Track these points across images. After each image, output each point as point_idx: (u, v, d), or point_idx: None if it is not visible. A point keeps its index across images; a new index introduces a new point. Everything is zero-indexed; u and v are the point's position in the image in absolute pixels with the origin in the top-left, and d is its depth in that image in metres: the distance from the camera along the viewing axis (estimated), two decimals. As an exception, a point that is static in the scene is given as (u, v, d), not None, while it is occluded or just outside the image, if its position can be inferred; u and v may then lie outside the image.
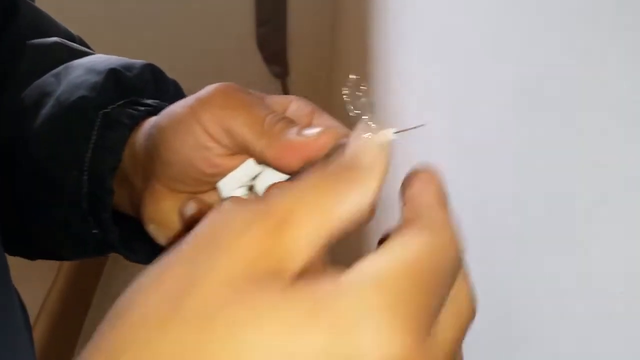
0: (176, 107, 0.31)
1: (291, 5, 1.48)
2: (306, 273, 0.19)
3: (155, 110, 0.35)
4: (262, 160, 0.28)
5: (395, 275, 0.18)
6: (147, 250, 0.37)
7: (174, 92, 0.40)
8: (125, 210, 0.36)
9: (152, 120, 0.33)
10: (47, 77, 0.39)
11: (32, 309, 1.26)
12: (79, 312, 1.46)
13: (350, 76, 0.26)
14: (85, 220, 0.36)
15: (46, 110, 0.37)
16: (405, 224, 0.21)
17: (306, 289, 0.18)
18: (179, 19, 1.46)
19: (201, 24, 1.47)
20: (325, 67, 1.53)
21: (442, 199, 0.22)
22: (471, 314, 0.22)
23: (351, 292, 0.18)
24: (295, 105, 0.31)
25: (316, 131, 0.26)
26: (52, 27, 0.44)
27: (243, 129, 0.28)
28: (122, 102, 0.36)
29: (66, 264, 1.37)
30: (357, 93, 0.25)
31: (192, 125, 0.29)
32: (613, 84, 0.39)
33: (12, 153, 0.39)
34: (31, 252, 0.43)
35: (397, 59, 0.94)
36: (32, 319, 1.35)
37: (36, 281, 1.45)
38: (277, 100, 0.31)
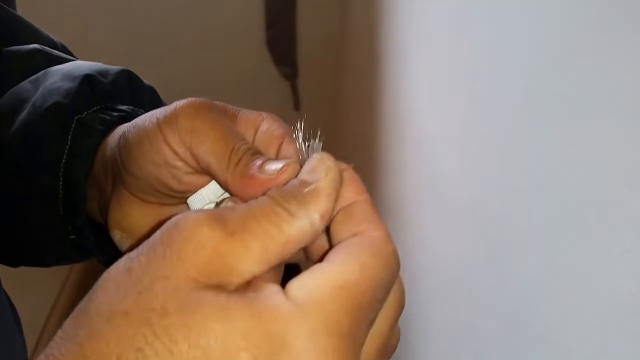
0: (144, 121, 0.31)
1: (300, 7, 1.49)
2: (249, 287, 0.21)
3: (129, 116, 0.36)
4: (225, 189, 0.29)
5: (330, 299, 0.20)
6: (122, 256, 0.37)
7: (150, 99, 0.40)
8: (94, 216, 0.36)
9: (121, 129, 0.33)
10: (25, 84, 0.40)
11: (43, 311, 1.27)
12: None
13: (299, 124, 0.28)
14: (63, 227, 0.37)
15: (22, 116, 0.38)
16: (347, 241, 0.23)
17: (244, 304, 0.20)
18: (189, 22, 1.47)
19: (211, 26, 1.48)
20: (334, 68, 1.53)
21: (376, 212, 0.25)
22: (395, 339, 0.24)
23: (283, 314, 0.20)
24: (266, 125, 0.31)
25: (278, 167, 0.26)
26: (31, 35, 0.44)
27: (209, 157, 0.28)
28: (96, 107, 0.36)
29: (77, 265, 1.38)
30: (307, 137, 0.27)
31: (159, 143, 0.29)
32: (624, 84, 0.39)
33: None
34: (15, 260, 0.42)
35: (405, 60, 0.94)
36: (42, 320, 1.35)
37: (47, 282, 1.46)
38: (250, 118, 0.31)
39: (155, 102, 0.40)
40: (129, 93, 0.39)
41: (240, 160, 0.28)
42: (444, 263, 0.74)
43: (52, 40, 0.46)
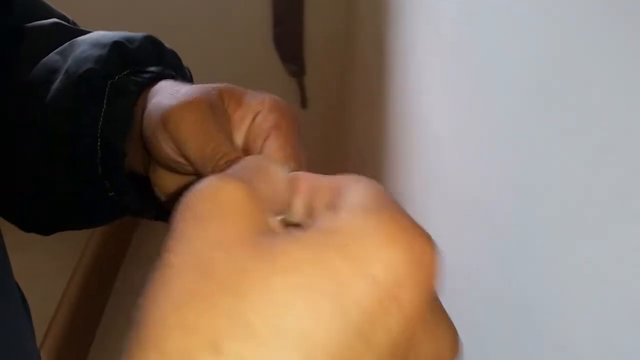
0: (154, 114, 0.33)
1: (307, 5, 1.49)
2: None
3: (158, 77, 0.38)
4: None
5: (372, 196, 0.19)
6: (159, 208, 0.39)
7: (173, 62, 0.42)
8: (138, 169, 0.38)
9: (150, 100, 0.35)
10: (52, 56, 0.41)
11: (52, 299, 1.28)
12: (99, 302, 1.48)
13: None
14: (101, 185, 0.39)
15: (56, 85, 0.40)
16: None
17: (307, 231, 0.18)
18: (195, 19, 1.48)
19: (218, 23, 1.49)
20: (341, 66, 1.53)
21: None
22: None
23: (348, 218, 0.18)
24: (261, 116, 0.32)
25: None
26: (45, 12, 0.46)
27: (191, 160, 0.31)
28: (127, 71, 0.38)
29: (87, 254, 1.39)
30: None
31: (160, 141, 0.32)
32: (628, 82, 0.39)
33: (21, 131, 0.41)
34: (47, 228, 0.44)
35: (412, 58, 0.94)
36: (52, 309, 1.35)
37: (57, 272, 1.47)
38: (252, 105, 0.33)
39: (178, 64, 0.43)
40: (155, 57, 0.41)
41: (213, 168, 0.30)
42: (449, 261, 0.74)
43: (64, 15, 0.48)
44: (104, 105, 0.38)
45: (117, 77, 0.38)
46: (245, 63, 1.55)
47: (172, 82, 0.37)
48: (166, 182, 0.34)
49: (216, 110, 0.32)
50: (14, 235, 0.44)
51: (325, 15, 1.50)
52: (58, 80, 0.39)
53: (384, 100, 1.10)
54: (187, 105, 0.32)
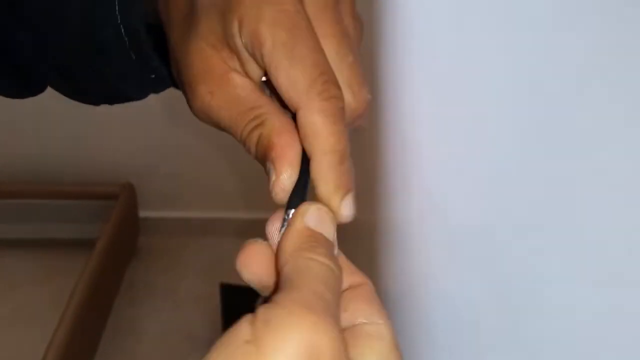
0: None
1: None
2: None
3: None
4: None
5: None
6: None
7: None
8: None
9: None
10: None
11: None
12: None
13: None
14: (143, 68, 0.38)
15: None
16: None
17: None
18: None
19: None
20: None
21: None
22: None
23: None
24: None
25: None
26: None
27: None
28: None
29: (75, 298, 1.34)
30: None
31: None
32: (630, 82, 0.37)
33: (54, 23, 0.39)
34: (95, 101, 0.44)
35: (406, 65, 0.93)
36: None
37: (46, 312, 1.46)
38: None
39: None
40: None
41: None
42: (450, 301, 0.70)
43: None
44: None
45: None
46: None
47: None
48: (215, 68, 0.30)
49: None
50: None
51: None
52: None
53: (378, 124, 1.07)
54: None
